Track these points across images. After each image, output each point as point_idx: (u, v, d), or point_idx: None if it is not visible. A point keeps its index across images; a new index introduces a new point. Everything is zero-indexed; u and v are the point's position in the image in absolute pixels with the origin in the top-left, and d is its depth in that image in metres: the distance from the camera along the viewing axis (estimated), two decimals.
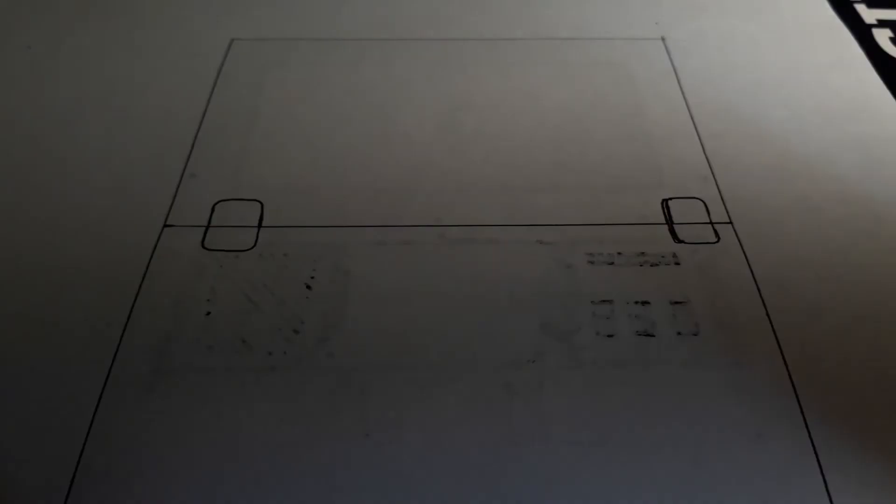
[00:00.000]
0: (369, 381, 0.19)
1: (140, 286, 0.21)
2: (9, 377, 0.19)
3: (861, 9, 0.32)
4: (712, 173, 0.24)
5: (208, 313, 0.20)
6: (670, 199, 0.23)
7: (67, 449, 0.18)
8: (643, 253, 0.21)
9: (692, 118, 0.25)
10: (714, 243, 0.21)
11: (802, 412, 0.18)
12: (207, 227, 0.22)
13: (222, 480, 0.17)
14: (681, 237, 0.22)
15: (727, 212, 0.22)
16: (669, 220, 0.22)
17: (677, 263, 0.21)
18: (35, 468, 0.17)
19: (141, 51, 0.29)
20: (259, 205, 0.23)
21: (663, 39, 0.29)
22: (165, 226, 0.22)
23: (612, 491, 0.17)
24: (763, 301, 0.20)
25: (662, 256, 0.21)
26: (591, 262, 0.21)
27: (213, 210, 0.23)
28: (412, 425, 0.18)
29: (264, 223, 0.22)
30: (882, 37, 0.30)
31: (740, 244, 0.21)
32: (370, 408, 0.18)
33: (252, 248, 0.22)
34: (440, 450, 0.17)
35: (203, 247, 0.22)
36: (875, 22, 0.31)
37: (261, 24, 0.30)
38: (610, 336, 0.19)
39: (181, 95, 0.27)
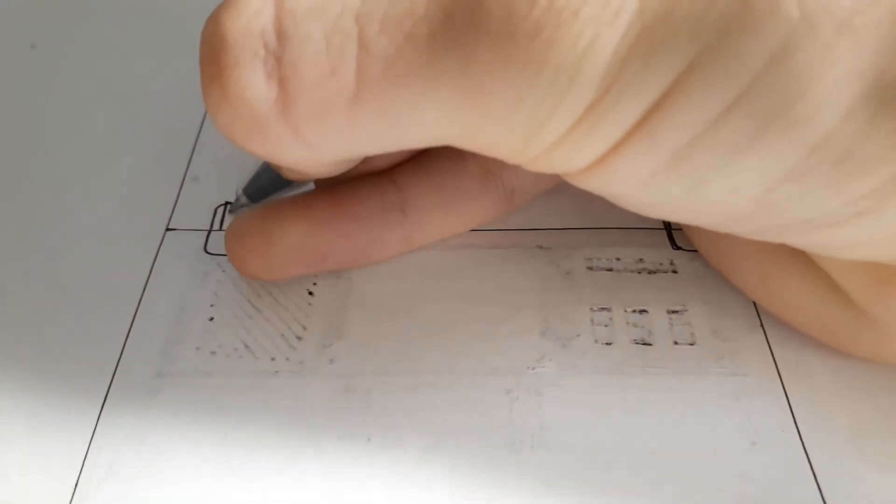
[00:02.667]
0: (371, 387, 0.19)
1: (143, 291, 0.21)
2: (13, 382, 0.19)
3: None
4: None
5: (211, 318, 0.20)
6: None
7: (71, 452, 0.18)
8: (641, 259, 0.22)
9: None
10: None
11: (795, 421, 0.18)
12: (210, 230, 0.23)
13: (225, 483, 0.17)
14: (678, 243, 0.22)
15: None
16: (668, 226, 0.23)
17: (674, 271, 0.21)
18: (39, 471, 0.17)
19: (142, 51, 0.29)
20: None
21: None
22: (168, 229, 0.23)
23: (610, 498, 0.17)
24: (757, 310, 0.20)
25: (661, 263, 0.21)
26: (590, 268, 0.21)
27: (214, 213, 0.23)
28: (413, 430, 0.18)
29: None
30: None
31: None
32: (372, 412, 0.18)
33: None
34: (440, 455, 0.18)
35: (205, 251, 0.22)
36: None
37: None
38: (608, 344, 0.20)
39: (182, 95, 0.27)
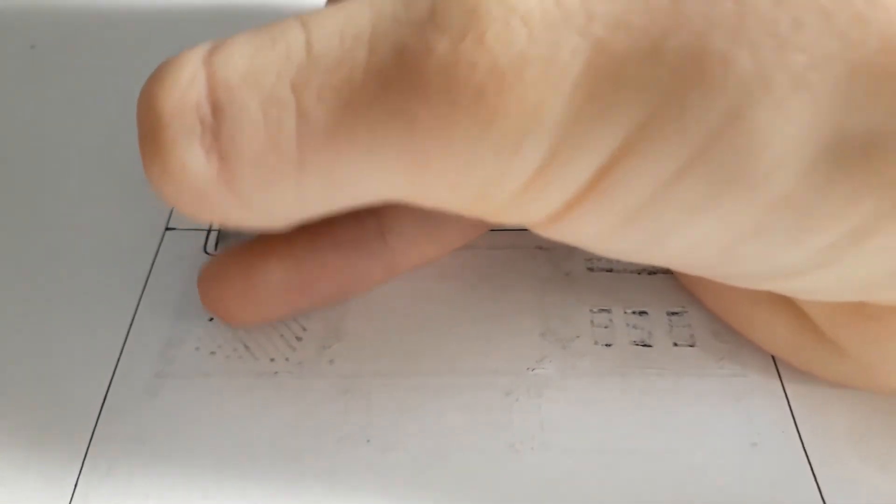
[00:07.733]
0: (370, 388, 0.19)
1: (142, 290, 0.21)
2: (11, 382, 0.19)
3: None
4: None
5: (210, 319, 0.20)
6: None
7: (71, 452, 0.18)
8: None
9: None
10: None
11: (795, 422, 0.18)
12: (209, 230, 0.23)
13: (223, 484, 0.17)
14: None
15: None
16: None
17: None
18: (39, 471, 0.17)
19: (140, 50, 0.29)
20: None
21: None
22: (167, 229, 0.23)
23: (611, 499, 0.17)
24: None
25: None
26: (590, 269, 0.21)
27: None
28: (413, 432, 0.18)
29: None
30: None
31: None
32: (371, 414, 0.18)
33: None
34: (440, 456, 0.18)
35: (205, 251, 0.22)
36: None
37: (260, 22, 0.30)
38: (608, 345, 0.20)
39: None
